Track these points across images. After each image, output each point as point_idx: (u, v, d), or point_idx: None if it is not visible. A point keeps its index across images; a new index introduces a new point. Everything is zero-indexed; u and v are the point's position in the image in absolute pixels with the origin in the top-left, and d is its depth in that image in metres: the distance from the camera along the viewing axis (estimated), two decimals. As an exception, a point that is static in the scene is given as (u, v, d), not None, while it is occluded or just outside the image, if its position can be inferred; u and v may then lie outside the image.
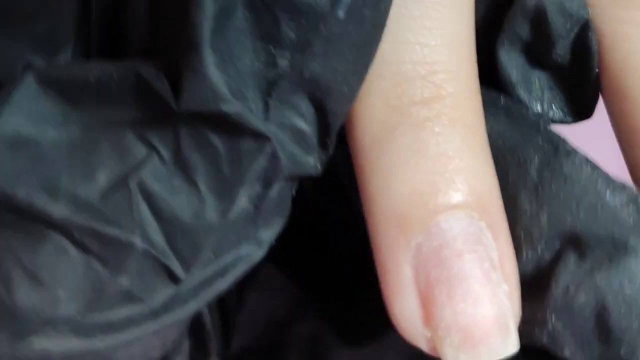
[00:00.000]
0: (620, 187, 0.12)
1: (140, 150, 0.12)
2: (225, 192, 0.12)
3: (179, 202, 0.12)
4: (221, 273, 0.12)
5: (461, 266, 0.11)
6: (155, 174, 0.12)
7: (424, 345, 0.12)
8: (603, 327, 0.11)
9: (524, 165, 0.12)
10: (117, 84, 0.12)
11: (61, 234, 0.12)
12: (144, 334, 0.12)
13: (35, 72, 0.12)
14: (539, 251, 0.12)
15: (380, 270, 0.12)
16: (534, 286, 0.12)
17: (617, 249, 0.11)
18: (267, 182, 0.12)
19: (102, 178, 0.12)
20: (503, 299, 0.12)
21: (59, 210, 0.11)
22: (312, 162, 0.12)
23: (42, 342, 0.12)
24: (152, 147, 0.12)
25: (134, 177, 0.12)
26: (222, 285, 0.13)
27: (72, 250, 0.12)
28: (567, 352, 0.12)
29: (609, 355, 0.11)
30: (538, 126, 0.13)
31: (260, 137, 0.11)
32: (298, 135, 0.12)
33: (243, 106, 0.11)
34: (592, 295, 0.11)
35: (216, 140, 0.11)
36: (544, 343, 0.12)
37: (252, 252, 0.12)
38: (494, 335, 0.11)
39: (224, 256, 0.12)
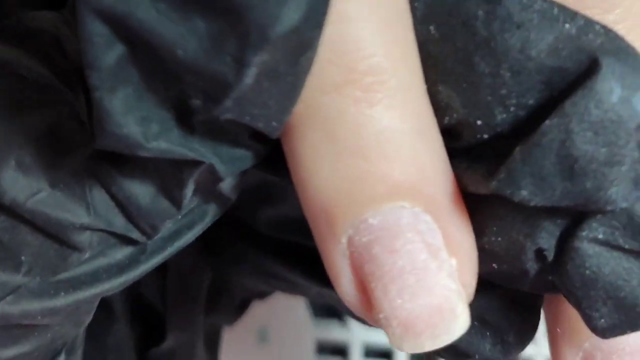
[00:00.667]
0: (574, 13, 0.11)
1: (86, 132, 0.11)
2: (173, 189, 0.11)
3: (133, 185, 0.11)
4: (188, 226, 0.12)
5: (394, 262, 0.11)
6: (107, 155, 0.11)
7: (373, 324, 0.12)
8: (566, 157, 0.10)
9: (469, 23, 0.11)
10: (43, 87, 0.12)
11: (13, 217, 0.11)
12: (110, 289, 0.12)
13: None
14: (512, 110, 0.11)
15: (322, 258, 0.12)
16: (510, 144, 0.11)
17: (583, 75, 0.10)
18: (212, 184, 0.12)
19: (51, 161, 0.11)
20: (447, 284, 0.11)
21: (7, 195, 0.11)
22: (252, 161, 0.11)
23: (4, 308, 0.12)
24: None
25: (85, 160, 0.11)
26: (190, 236, 0.12)
27: (28, 227, 0.12)
28: (523, 194, 0.11)
29: (572, 191, 0.10)
30: None
31: (192, 161, 0.11)
32: (236, 137, 0.11)
33: (164, 142, 0.10)
34: (555, 120, 0.10)
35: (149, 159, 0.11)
36: (500, 179, 0.11)
37: (219, 206, 0.12)
38: (436, 324, 0.11)
39: (190, 214, 0.12)
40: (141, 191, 0.11)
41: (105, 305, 0.18)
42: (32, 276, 0.12)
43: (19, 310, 0.12)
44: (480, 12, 0.11)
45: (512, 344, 0.14)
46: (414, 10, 0.11)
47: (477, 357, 0.14)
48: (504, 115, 0.11)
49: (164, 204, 0.12)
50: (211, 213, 0.12)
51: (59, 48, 0.12)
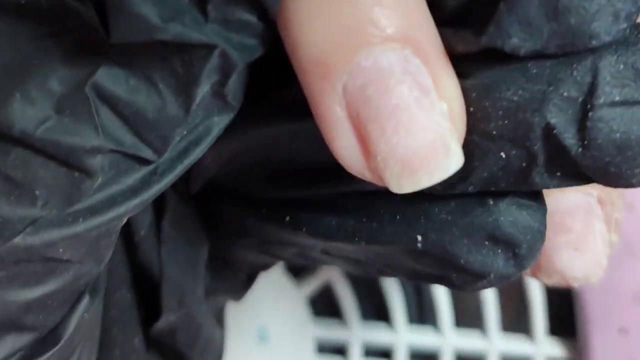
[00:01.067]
0: None
1: (90, 55, 0.12)
2: (183, 89, 0.12)
3: (140, 100, 0.12)
4: (195, 142, 0.13)
5: (387, 101, 0.11)
6: (110, 76, 0.12)
7: (369, 177, 0.12)
8: None
9: None
10: (47, 11, 0.12)
11: (24, 147, 0.12)
12: (127, 211, 0.13)
13: None
14: None
15: (316, 116, 0.12)
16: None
17: None
18: (224, 75, 0.12)
19: (56, 87, 0.12)
20: (439, 122, 0.12)
21: (16, 126, 0.11)
22: (260, 48, 0.12)
23: (25, 240, 0.12)
24: (102, 52, 0.12)
25: (89, 82, 0.12)
26: (198, 152, 0.13)
27: (40, 158, 0.12)
28: (514, 41, 0.11)
29: (558, 30, 0.11)
30: None
31: (207, 46, 0.11)
32: (243, 25, 0.11)
33: (179, 25, 0.11)
34: None
35: (164, 49, 0.11)
36: (489, 32, 0.11)
37: (223, 118, 0.13)
38: (432, 159, 0.12)
39: (196, 129, 0.13)
40: (147, 104, 0.12)
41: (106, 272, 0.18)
42: (48, 209, 0.12)
43: (40, 240, 0.12)
44: None
45: (525, 256, 0.14)
46: None
47: (492, 275, 0.14)
48: None
49: (172, 111, 0.12)
50: (216, 127, 0.13)
51: None
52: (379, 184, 0.12)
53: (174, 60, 0.11)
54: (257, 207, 0.18)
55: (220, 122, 0.13)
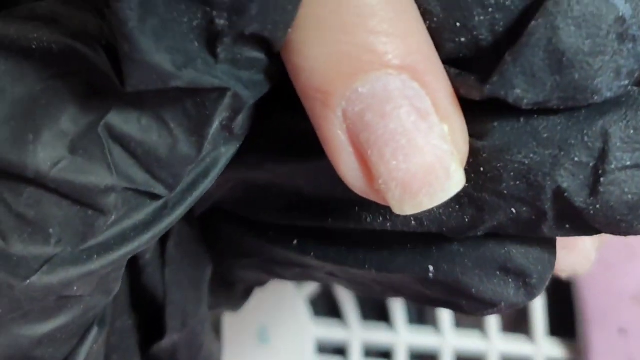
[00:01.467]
0: None
1: (102, 95, 0.12)
2: (195, 129, 0.12)
3: (152, 139, 0.12)
4: (204, 174, 0.13)
5: (385, 126, 0.12)
6: (122, 115, 0.12)
7: (374, 197, 0.12)
8: (554, 52, 0.11)
9: None
10: (57, 55, 0.12)
11: (38, 187, 0.12)
12: (139, 246, 0.13)
13: None
14: (490, 11, 0.12)
15: (320, 139, 0.12)
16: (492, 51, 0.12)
17: None
18: (235, 113, 0.12)
19: (69, 127, 0.12)
20: (439, 144, 0.12)
21: (32, 168, 0.11)
22: (268, 83, 0.12)
23: (42, 279, 0.12)
24: (114, 92, 0.12)
25: (101, 123, 0.12)
26: (207, 184, 0.13)
27: (54, 197, 0.12)
28: (517, 92, 0.11)
29: (561, 84, 0.11)
30: None
31: (220, 89, 0.11)
32: (255, 63, 0.12)
33: (192, 71, 0.11)
34: (540, 20, 0.11)
35: (176, 93, 0.11)
36: (493, 82, 0.12)
37: (229, 148, 0.13)
38: (432, 182, 0.12)
39: (203, 162, 0.13)
40: (159, 143, 0.12)
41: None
42: (62, 246, 0.12)
43: (57, 279, 0.12)
44: None
45: (535, 286, 0.14)
46: None
47: (502, 304, 0.14)
48: (482, 18, 0.12)
49: (184, 150, 0.12)
50: (223, 157, 0.13)
51: (61, 22, 0.12)
52: (384, 204, 0.12)
53: (186, 102, 0.11)
54: (261, 230, 0.18)
55: (227, 152, 0.13)
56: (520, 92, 0.11)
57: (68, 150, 0.12)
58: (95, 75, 0.12)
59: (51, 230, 0.12)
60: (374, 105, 0.12)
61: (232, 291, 0.23)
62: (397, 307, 0.30)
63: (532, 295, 0.14)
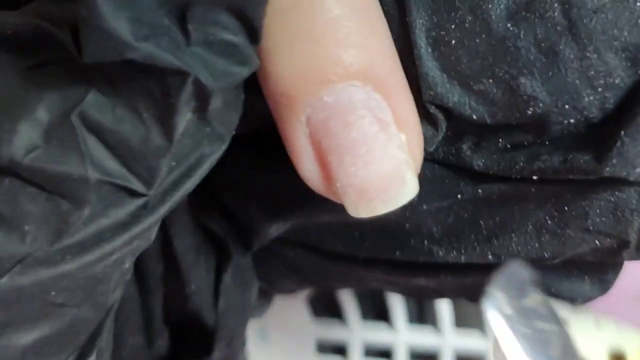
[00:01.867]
0: None
1: (77, 85, 0.12)
2: (164, 118, 0.12)
3: (125, 129, 0.12)
4: (186, 174, 0.13)
5: (347, 134, 0.12)
6: (97, 105, 0.12)
7: (332, 197, 0.13)
8: None
9: (547, 15, 0.12)
10: (32, 42, 0.12)
11: (12, 177, 0.12)
12: (115, 248, 0.12)
13: None
14: (600, 91, 0.12)
15: (283, 141, 0.13)
16: (603, 125, 0.12)
17: None
18: (202, 101, 0.12)
19: (44, 116, 0.12)
20: (396, 154, 0.12)
21: (5, 156, 0.11)
22: (246, 72, 0.12)
23: (14, 280, 0.12)
24: (89, 81, 0.11)
25: (75, 111, 0.11)
26: (189, 185, 0.13)
27: (29, 188, 0.12)
28: (638, 171, 0.12)
29: None
30: None
31: (179, 72, 0.11)
32: (228, 48, 0.11)
33: (151, 46, 0.11)
34: None
35: (143, 75, 0.11)
36: (612, 164, 0.12)
37: (215, 148, 0.13)
38: (387, 189, 0.12)
39: (186, 160, 0.12)
40: (132, 134, 0.12)
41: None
42: (37, 244, 0.12)
43: (28, 280, 0.12)
44: (555, 5, 0.12)
45: (609, 280, 0.15)
46: (488, 11, 0.12)
47: (579, 299, 0.15)
48: (591, 98, 0.12)
49: (156, 141, 0.12)
50: (207, 158, 0.13)
51: (30, 9, 0.12)
52: (339, 202, 0.13)
53: (153, 88, 0.11)
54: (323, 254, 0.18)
55: (211, 153, 0.13)
56: None
57: (42, 139, 0.11)
58: (70, 63, 0.11)
59: (26, 227, 0.12)
60: (337, 115, 0.12)
61: (267, 302, 0.24)
62: (397, 307, 0.30)
63: (606, 289, 0.15)
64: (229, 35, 0.11)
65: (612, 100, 0.12)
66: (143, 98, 0.12)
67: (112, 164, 0.12)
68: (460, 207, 0.14)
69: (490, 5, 0.12)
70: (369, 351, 0.31)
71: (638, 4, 0.11)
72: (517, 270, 0.13)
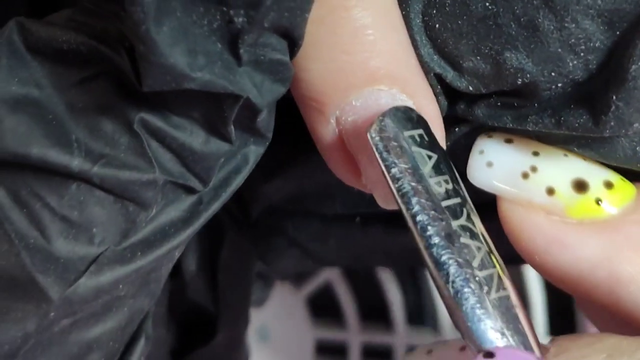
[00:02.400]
0: None
1: (134, 95, 0.12)
2: (219, 127, 0.12)
3: (184, 135, 0.12)
4: (235, 171, 0.13)
5: None
6: (154, 113, 0.12)
7: (362, 188, 0.14)
8: None
9: None
10: (87, 56, 0.12)
11: (82, 182, 0.12)
12: (180, 243, 0.13)
13: (21, 36, 0.12)
14: (582, 55, 0.12)
15: (314, 140, 0.14)
16: (591, 86, 0.13)
17: None
18: (252, 115, 0.13)
19: (107, 126, 0.12)
20: None
21: (76, 163, 0.12)
22: (288, 85, 0.13)
23: (91, 281, 0.12)
24: (143, 94, 0.12)
25: (136, 119, 0.12)
26: (239, 181, 0.14)
27: (97, 192, 0.12)
28: (636, 126, 0.12)
29: None
30: None
31: (233, 95, 0.12)
32: (277, 66, 0.12)
33: (207, 75, 0.11)
34: None
35: (197, 95, 0.12)
36: (610, 126, 0.12)
37: (259, 147, 0.14)
38: None
39: (234, 158, 0.13)
40: (192, 138, 0.12)
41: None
42: (105, 244, 0.12)
43: (106, 279, 0.12)
44: None
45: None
46: None
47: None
48: (575, 62, 0.13)
49: (215, 143, 0.13)
50: (253, 155, 0.14)
51: (85, 26, 0.13)
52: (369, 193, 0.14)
53: (208, 104, 0.12)
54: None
55: (256, 150, 0.13)
56: (638, 125, 0.12)
57: (109, 147, 0.12)
58: (123, 76, 0.12)
59: (94, 230, 0.12)
60: (366, 117, 0.13)
61: (265, 287, 0.24)
62: (397, 307, 0.30)
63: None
64: (277, 55, 0.12)
65: (595, 62, 0.13)
66: (198, 108, 0.12)
67: (174, 166, 0.13)
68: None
69: None
70: (368, 351, 0.31)
71: None
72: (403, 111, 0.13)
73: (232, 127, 0.12)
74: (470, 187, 0.14)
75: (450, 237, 0.12)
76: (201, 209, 0.13)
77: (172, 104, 0.12)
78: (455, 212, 0.12)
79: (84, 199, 0.12)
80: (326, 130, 0.13)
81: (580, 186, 0.14)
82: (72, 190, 0.12)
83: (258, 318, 0.30)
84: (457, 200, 0.12)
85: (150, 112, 0.12)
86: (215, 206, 0.13)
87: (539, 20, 0.12)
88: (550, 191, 0.14)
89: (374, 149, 0.12)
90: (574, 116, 0.13)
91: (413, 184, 0.12)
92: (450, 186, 0.13)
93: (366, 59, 0.12)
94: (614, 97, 0.12)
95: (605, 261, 0.13)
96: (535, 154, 0.14)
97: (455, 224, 0.12)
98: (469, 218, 0.12)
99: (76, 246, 0.12)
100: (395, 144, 0.12)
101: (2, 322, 0.12)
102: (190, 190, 0.13)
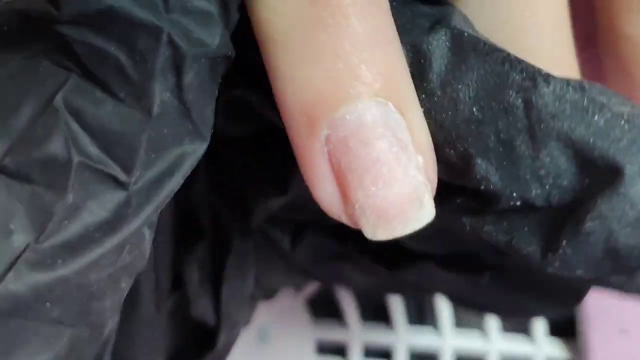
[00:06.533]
0: (607, 104, 0.12)
1: (58, 72, 0.12)
2: (141, 92, 0.12)
3: (106, 112, 0.12)
4: (168, 172, 0.12)
5: (368, 154, 0.12)
6: (78, 90, 0.12)
7: (347, 221, 0.13)
8: (611, 249, 0.12)
9: (510, 110, 0.12)
10: (6, 25, 0.12)
11: None
12: (107, 251, 0.12)
13: None
14: (547, 188, 0.13)
15: (298, 160, 0.13)
16: (547, 217, 0.13)
17: (614, 174, 0.12)
18: (177, 71, 0.12)
19: (28, 109, 0.12)
20: (415, 175, 0.12)
21: None
22: (217, 41, 0.12)
23: (7, 287, 0.11)
24: (67, 68, 0.12)
25: (57, 96, 0.12)
26: (173, 184, 0.13)
27: (12, 183, 0.12)
28: (579, 272, 0.13)
29: (618, 266, 0.13)
30: (510, 61, 0.13)
31: (153, 29, 0.11)
32: (202, 16, 0.12)
33: (127, 1, 0.11)
34: (597, 222, 0.12)
35: (113, 49, 0.11)
36: (555, 266, 0.13)
37: (196, 147, 0.13)
38: (406, 210, 0.12)
39: (166, 154, 0.12)
40: (113, 115, 0.12)
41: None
42: (24, 240, 0.12)
43: (25, 287, 0.12)
44: (520, 102, 0.12)
45: None
46: (457, 91, 0.13)
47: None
48: (539, 191, 0.13)
49: (135, 117, 0.12)
50: (188, 157, 0.13)
51: None
52: (354, 227, 0.13)
53: (125, 63, 0.11)
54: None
55: (192, 151, 0.13)
56: (582, 273, 0.13)
57: (26, 124, 0.11)
58: (51, 52, 0.12)
59: (12, 226, 0.12)
60: (358, 133, 0.12)
61: (269, 295, 0.24)
62: (397, 307, 0.30)
63: None
64: (203, 2, 0.11)
65: (557, 197, 0.13)
66: (115, 77, 0.12)
67: (93, 150, 0.12)
68: None
69: (460, 86, 0.13)
70: (369, 352, 0.31)
71: (596, 117, 0.12)
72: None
73: (155, 85, 0.12)
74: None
75: None
76: (130, 212, 0.12)
77: (93, 77, 0.12)
78: None
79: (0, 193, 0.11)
80: (315, 149, 0.12)
81: None
82: None
83: (258, 319, 0.30)
84: None
85: (74, 88, 0.12)
86: (147, 211, 0.12)
87: (517, 143, 0.12)
88: None
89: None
90: (525, 241, 0.13)
91: None
92: None
93: (364, 71, 0.12)
94: (564, 242, 0.12)
95: None
96: None
97: None
98: None
99: None
100: None
101: None
102: (114, 183, 0.12)
